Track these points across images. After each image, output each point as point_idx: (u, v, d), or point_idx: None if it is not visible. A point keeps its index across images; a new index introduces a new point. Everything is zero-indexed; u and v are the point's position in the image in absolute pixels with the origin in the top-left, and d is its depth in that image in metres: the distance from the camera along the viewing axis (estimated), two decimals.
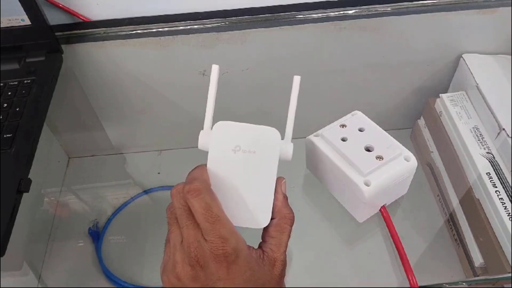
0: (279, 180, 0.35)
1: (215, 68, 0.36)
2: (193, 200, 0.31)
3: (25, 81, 0.52)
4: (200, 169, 0.34)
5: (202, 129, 0.36)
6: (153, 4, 0.57)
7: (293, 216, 0.35)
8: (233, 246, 0.31)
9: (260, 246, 0.35)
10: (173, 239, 0.33)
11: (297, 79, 0.36)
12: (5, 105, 0.50)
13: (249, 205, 0.34)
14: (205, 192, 0.31)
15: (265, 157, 0.34)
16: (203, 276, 0.31)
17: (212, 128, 0.35)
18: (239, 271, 0.31)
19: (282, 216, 0.34)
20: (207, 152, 0.35)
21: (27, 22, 0.52)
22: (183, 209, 0.32)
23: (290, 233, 0.35)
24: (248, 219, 0.34)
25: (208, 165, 0.34)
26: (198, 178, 0.32)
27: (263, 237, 0.35)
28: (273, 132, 0.35)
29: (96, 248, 0.61)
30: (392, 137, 0.45)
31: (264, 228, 0.35)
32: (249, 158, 0.34)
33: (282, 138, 0.36)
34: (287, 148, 0.36)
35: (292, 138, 0.36)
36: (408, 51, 0.60)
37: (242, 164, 0.34)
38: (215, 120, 0.35)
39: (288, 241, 0.34)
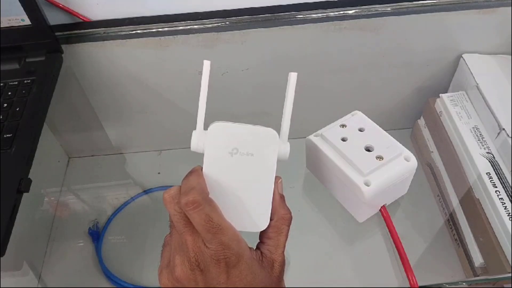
0: (275, 179, 0.34)
1: (206, 64, 0.33)
2: (192, 212, 0.30)
3: (25, 81, 0.52)
4: (196, 176, 0.32)
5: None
6: (153, 4, 0.57)
7: (291, 216, 0.34)
8: (234, 252, 0.30)
9: (258, 247, 0.34)
10: (174, 242, 0.33)
11: (293, 76, 0.34)
12: (5, 105, 0.50)
13: (247, 209, 0.33)
14: (204, 203, 0.30)
15: (264, 159, 0.33)
16: (202, 280, 0.31)
17: (205, 128, 0.34)
18: (239, 276, 0.31)
19: (280, 217, 0.34)
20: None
21: (27, 22, 0.52)
22: (179, 216, 0.31)
23: (288, 233, 0.34)
24: (247, 223, 0.33)
25: (204, 170, 0.33)
26: (195, 188, 0.31)
27: (260, 238, 0.34)
28: (271, 133, 0.34)
29: (96, 248, 0.61)
30: (392, 137, 0.45)
31: None
32: (247, 161, 0.33)
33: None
34: (284, 148, 0.34)
35: (292, 138, 0.35)
36: (408, 51, 0.60)
37: (240, 168, 0.33)
38: (214, 120, 0.34)
39: (286, 242, 0.34)
